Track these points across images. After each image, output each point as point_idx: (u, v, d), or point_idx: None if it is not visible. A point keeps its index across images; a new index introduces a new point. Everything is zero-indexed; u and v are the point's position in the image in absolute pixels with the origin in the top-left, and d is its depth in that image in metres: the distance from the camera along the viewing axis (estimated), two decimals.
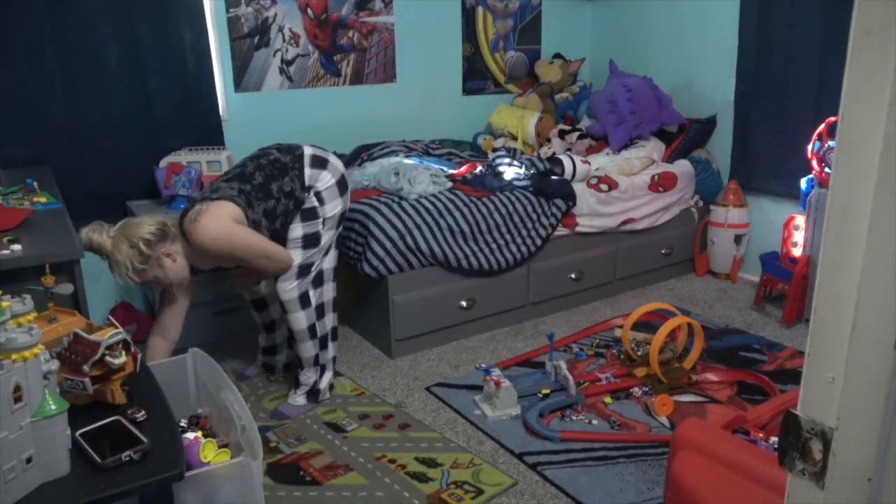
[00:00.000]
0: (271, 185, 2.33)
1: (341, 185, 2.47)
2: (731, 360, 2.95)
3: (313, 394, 2.62)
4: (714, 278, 3.96)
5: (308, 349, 2.54)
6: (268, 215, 2.31)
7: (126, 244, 2.09)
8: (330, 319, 2.65)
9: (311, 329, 2.51)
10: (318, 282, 2.53)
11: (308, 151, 2.44)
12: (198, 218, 2.16)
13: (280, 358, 2.87)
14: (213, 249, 2.19)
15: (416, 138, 4.03)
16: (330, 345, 2.66)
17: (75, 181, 3.02)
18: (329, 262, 2.59)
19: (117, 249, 2.08)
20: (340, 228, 2.57)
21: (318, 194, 2.41)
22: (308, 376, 2.60)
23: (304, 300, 2.47)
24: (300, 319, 2.48)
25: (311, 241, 2.42)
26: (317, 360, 2.59)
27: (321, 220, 2.43)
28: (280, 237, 2.39)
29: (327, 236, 2.47)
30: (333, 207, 2.45)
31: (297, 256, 2.41)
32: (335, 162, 2.48)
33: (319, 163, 2.44)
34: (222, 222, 2.18)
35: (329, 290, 2.62)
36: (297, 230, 2.39)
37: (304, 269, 2.44)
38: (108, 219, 3.17)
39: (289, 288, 2.42)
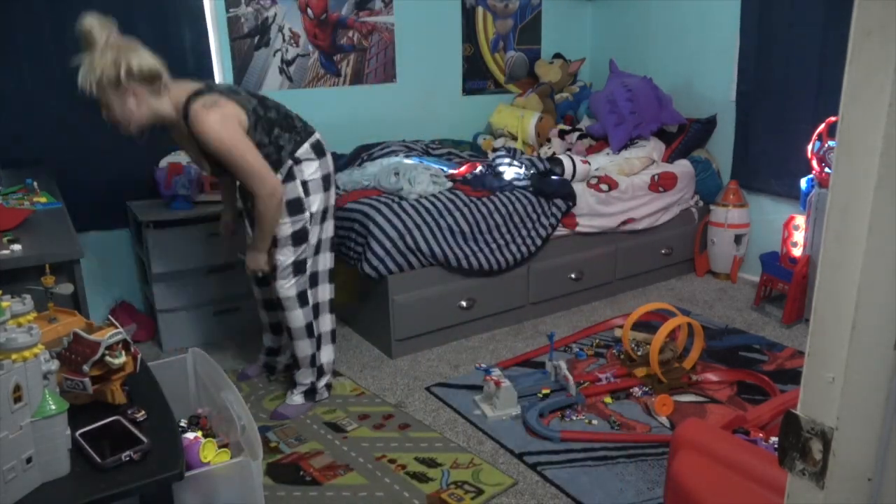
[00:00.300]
0: (274, 128, 2.33)
1: (326, 180, 2.47)
2: (731, 360, 2.95)
3: (311, 393, 2.62)
4: (714, 278, 3.96)
5: (305, 348, 2.54)
6: (258, 147, 2.30)
7: (112, 57, 2.02)
8: (327, 321, 2.66)
9: (308, 328, 2.52)
10: (314, 282, 2.55)
11: (317, 136, 2.46)
12: (212, 107, 2.14)
13: (282, 359, 2.87)
14: (211, 144, 2.16)
15: (416, 138, 4.03)
16: (327, 346, 2.66)
17: (75, 181, 3.02)
18: (324, 264, 2.59)
19: (102, 54, 2.02)
20: (328, 227, 2.56)
21: (304, 184, 2.39)
22: (305, 376, 2.60)
23: (301, 298, 2.47)
24: (298, 317, 2.48)
25: (299, 237, 2.41)
26: (313, 361, 2.59)
27: (307, 213, 2.41)
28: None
29: (314, 231, 2.47)
30: (316, 201, 2.44)
31: (288, 254, 2.40)
32: (329, 159, 2.49)
33: (319, 149, 2.44)
34: (230, 124, 2.17)
35: (325, 292, 2.62)
36: (285, 228, 2.38)
37: (299, 266, 2.44)
38: (109, 219, 3.22)
39: (287, 286, 2.43)
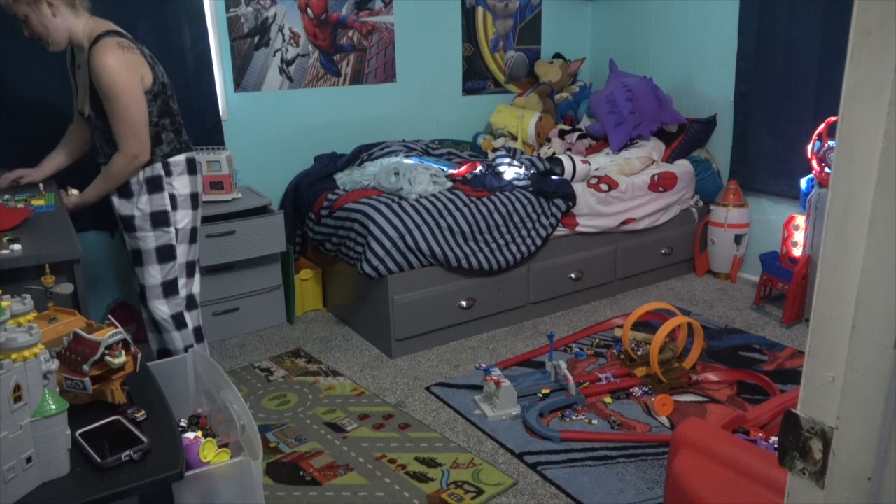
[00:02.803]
0: (165, 118, 2.29)
1: (195, 199, 2.40)
2: (731, 359, 2.95)
3: None
4: (714, 278, 3.96)
5: None
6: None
7: None
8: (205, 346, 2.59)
9: (186, 350, 2.43)
10: (192, 305, 2.48)
11: (193, 154, 2.41)
12: (123, 49, 2.13)
13: None
14: (103, 80, 2.11)
15: (416, 138, 4.03)
16: None
17: (75, 181, 3.01)
18: (198, 287, 2.53)
19: None
20: (196, 249, 2.47)
21: (173, 198, 2.33)
22: None
23: (178, 321, 2.40)
24: (177, 340, 2.42)
25: (165, 253, 2.34)
26: None
27: (173, 229, 2.34)
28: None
29: (181, 251, 2.39)
30: (184, 218, 2.37)
31: (155, 274, 2.34)
32: (199, 179, 2.44)
33: (192, 167, 2.38)
34: (133, 71, 2.14)
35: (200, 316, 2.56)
36: (149, 241, 2.31)
37: (169, 287, 2.37)
38: (108, 219, 3.21)
39: (161, 307, 2.37)
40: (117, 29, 2.24)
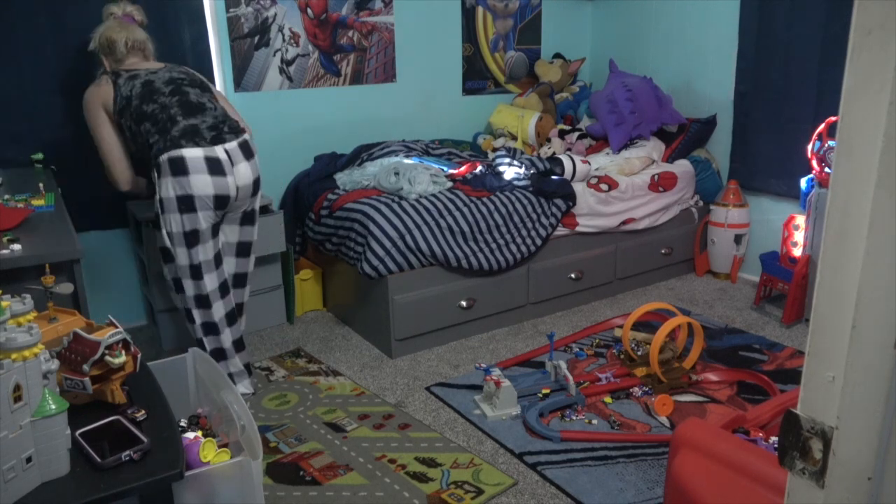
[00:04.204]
0: (144, 122, 2.37)
1: (185, 202, 2.31)
2: (731, 359, 2.95)
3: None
4: (714, 278, 3.96)
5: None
6: (129, 131, 2.47)
7: (100, 28, 2.57)
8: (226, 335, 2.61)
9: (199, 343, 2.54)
10: (203, 304, 2.50)
11: (181, 152, 2.29)
12: (94, 84, 2.49)
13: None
14: (85, 109, 2.48)
15: (416, 138, 4.03)
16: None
17: (75, 181, 3.02)
18: (212, 283, 2.50)
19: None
20: (196, 252, 2.41)
21: (160, 201, 2.34)
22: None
23: (189, 315, 2.52)
24: (197, 331, 2.55)
25: (165, 253, 2.44)
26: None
27: (164, 231, 2.36)
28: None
29: (182, 254, 2.38)
30: (172, 222, 2.34)
31: (166, 270, 2.51)
32: (194, 180, 2.29)
33: (176, 167, 2.29)
34: (93, 102, 2.46)
35: (220, 309, 2.54)
36: (161, 240, 2.43)
37: (176, 284, 2.49)
38: (108, 219, 3.22)
39: (174, 297, 2.60)
40: (120, 70, 2.51)
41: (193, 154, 2.30)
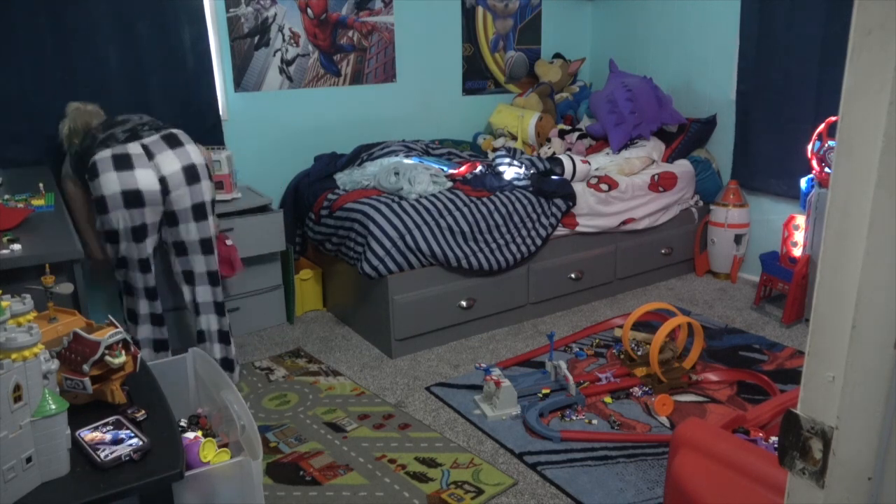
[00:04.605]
0: (87, 138, 2.47)
1: (98, 203, 2.35)
2: (731, 359, 2.94)
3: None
4: (714, 278, 3.96)
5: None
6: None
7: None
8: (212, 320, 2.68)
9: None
10: (129, 292, 2.56)
11: (106, 153, 2.33)
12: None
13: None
14: None
15: (416, 138, 4.03)
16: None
17: None
18: (145, 281, 2.56)
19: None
20: (141, 247, 2.44)
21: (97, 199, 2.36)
22: None
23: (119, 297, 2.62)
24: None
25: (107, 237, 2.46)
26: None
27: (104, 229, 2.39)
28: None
29: (124, 249, 2.41)
30: (99, 221, 2.39)
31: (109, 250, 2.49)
32: (105, 179, 2.31)
33: (121, 162, 2.34)
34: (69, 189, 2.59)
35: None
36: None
37: (117, 262, 2.50)
38: None
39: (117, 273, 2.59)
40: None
41: (102, 156, 2.33)
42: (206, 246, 2.56)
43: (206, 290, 2.62)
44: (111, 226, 2.36)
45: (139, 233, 2.40)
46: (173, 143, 2.41)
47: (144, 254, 2.46)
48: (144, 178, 2.33)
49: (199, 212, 2.49)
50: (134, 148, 2.34)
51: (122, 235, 2.38)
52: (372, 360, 3.04)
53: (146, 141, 2.37)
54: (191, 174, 2.41)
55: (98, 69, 3.04)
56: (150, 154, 2.36)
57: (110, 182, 2.30)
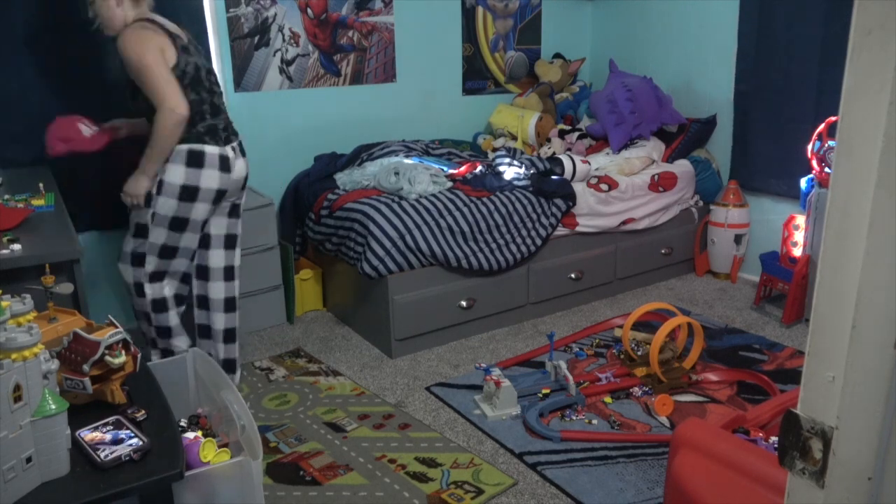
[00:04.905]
0: (190, 93, 2.36)
1: (187, 191, 2.38)
2: (731, 359, 2.94)
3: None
4: (714, 278, 3.96)
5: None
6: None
7: None
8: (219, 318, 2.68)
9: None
10: (157, 278, 2.55)
11: (202, 147, 2.39)
12: (138, 28, 2.26)
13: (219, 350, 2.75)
14: (125, 59, 2.26)
15: (416, 138, 4.03)
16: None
17: (75, 181, 3.01)
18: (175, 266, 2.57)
19: None
20: (191, 238, 2.50)
21: (160, 184, 2.36)
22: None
23: (137, 289, 2.52)
24: (137, 304, 2.57)
25: (139, 231, 2.45)
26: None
27: (151, 212, 2.39)
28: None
29: (160, 233, 2.42)
30: (164, 205, 2.38)
31: (129, 239, 2.49)
32: (205, 174, 2.39)
33: (194, 158, 2.38)
34: (150, 44, 2.24)
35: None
36: (140, 217, 2.43)
37: (136, 258, 2.48)
38: (109, 219, 3.22)
39: (123, 267, 2.53)
40: (154, 17, 2.36)
41: (212, 151, 2.42)
42: (231, 242, 2.68)
43: (219, 286, 2.68)
44: (186, 214, 2.43)
45: (202, 225, 2.53)
46: (243, 152, 2.60)
47: (194, 244, 2.56)
48: (232, 181, 2.51)
49: (235, 211, 2.67)
50: (230, 151, 2.49)
51: (190, 226, 2.47)
52: (372, 360, 3.04)
53: (234, 146, 2.53)
54: (246, 182, 2.65)
55: (98, 69, 3.04)
56: (235, 157, 2.53)
57: (212, 178, 2.42)
